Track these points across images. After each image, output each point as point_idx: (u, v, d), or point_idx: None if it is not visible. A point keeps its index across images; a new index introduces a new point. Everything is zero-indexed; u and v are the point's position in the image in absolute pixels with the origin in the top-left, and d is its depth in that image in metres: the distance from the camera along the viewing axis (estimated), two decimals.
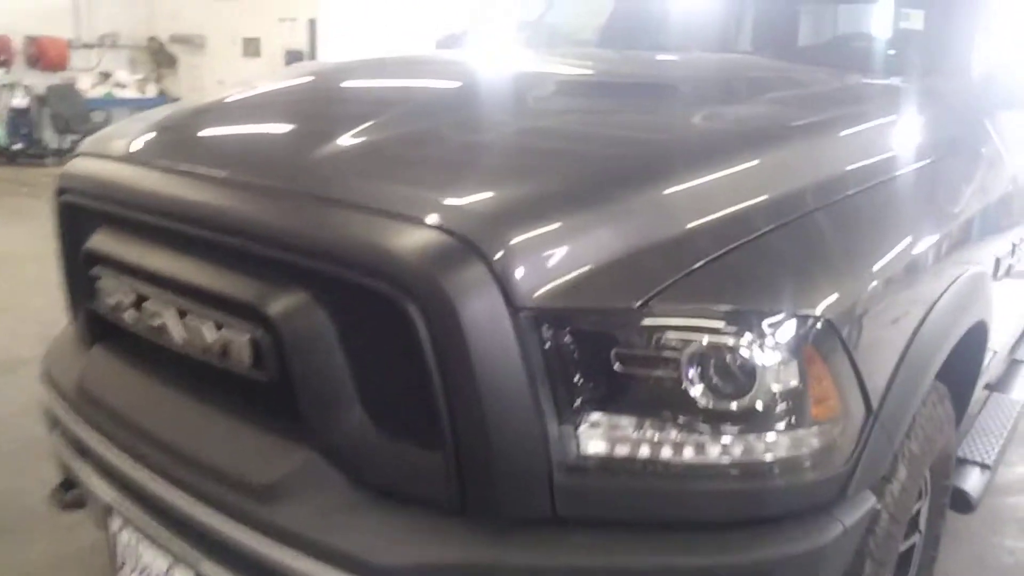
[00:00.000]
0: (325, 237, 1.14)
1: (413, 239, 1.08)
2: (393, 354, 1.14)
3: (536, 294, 1.06)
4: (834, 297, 1.15)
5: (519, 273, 1.06)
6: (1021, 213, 2.01)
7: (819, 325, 1.11)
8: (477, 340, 1.04)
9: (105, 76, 11.16)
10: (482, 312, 1.04)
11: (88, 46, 11.06)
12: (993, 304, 1.72)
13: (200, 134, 1.63)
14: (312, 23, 9.86)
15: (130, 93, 11.16)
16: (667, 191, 1.23)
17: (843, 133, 1.55)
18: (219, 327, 1.26)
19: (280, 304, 1.18)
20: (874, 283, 1.24)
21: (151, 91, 11.38)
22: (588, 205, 1.15)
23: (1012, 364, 2.65)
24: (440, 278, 1.04)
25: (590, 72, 2.06)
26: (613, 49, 2.60)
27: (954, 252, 1.53)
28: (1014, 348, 2.60)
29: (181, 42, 11.38)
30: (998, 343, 2.00)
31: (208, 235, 1.27)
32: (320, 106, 1.77)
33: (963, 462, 1.97)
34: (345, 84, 1.98)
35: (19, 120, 10.34)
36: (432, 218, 1.10)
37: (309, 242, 1.15)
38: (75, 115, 10.32)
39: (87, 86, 10.91)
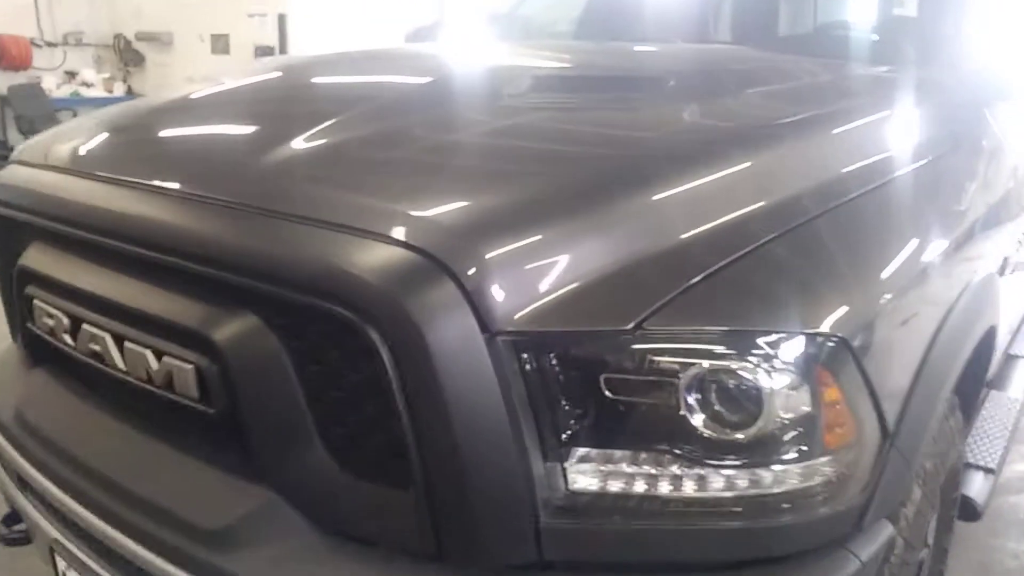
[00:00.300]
0: (272, 255, 1.02)
1: (372, 256, 0.95)
2: (356, 384, 1.01)
3: (515, 316, 0.94)
4: (845, 312, 1.03)
5: (495, 293, 0.94)
6: (1022, 206, 1.92)
7: (831, 344, 0.99)
8: (448, 369, 0.92)
9: (71, 75, 10.88)
10: (453, 338, 0.92)
11: (52, 44, 10.77)
12: (1000, 305, 1.62)
13: (142, 139, 1.49)
14: (282, 18, 9.65)
15: (97, 92, 10.88)
16: (659, 197, 1.10)
17: (842, 129, 1.43)
18: (160, 355, 1.13)
19: (227, 329, 1.05)
20: (885, 294, 1.13)
21: (119, 90, 11.10)
22: (572, 215, 1.03)
23: (1008, 359, 2.56)
24: (404, 300, 0.91)
25: (569, 65, 1.94)
26: (591, 41, 2.47)
27: (964, 254, 1.43)
28: (1011, 343, 2.51)
29: (148, 39, 11.11)
30: (1002, 341, 1.90)
31: (146, 254, 1.14)
32: (278, 105, 1.63)
33: (967, 467, 1.88)
34: (307, 80, 1.84)
35: None
36: (394, 232, 0.97)
37: (253, 261, 1.03)
38: (40, 115, 10.03)
39: (52, 86, 10.62)
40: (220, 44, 10.32)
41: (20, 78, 10.32)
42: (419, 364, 0.92)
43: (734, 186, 1.16)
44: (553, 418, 0.96)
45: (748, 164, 1.21)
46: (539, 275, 0.97)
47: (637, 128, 1.40)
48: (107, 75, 11.13)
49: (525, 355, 0.95)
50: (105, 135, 1.51)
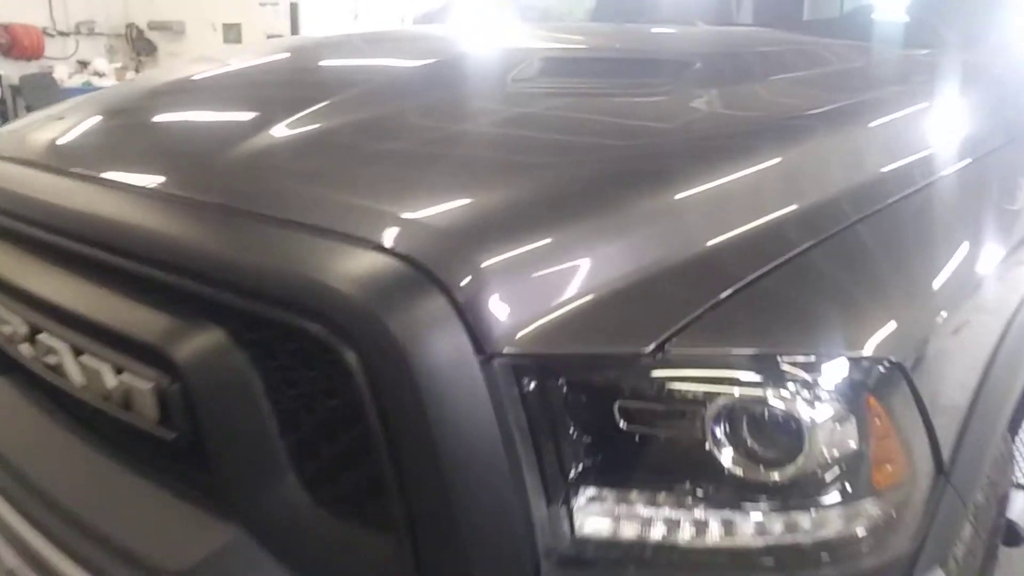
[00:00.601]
0: (233, 261, 0.89)
1: (347, 264, 0.83)
2: (334, 411, 0.89)
3: (516, 336, 0.81)
4: (896, 330, 0.89)
5: (492, 308, 0.81)
6: None
7: (881, 367, 0.86)
8: (436, 397, 0.79)
9: (83, 65, 10.81)
10: (442, 360, 0.79)
11: (64, 34, 10.72)
12: None
13: (107, 128, 1.36)
14: (294, 7, 9.55)
15: (109, 82, 10.78)
16: (682, 198, 0.96)
17: (884, 121, 1.27)
18: (120, 370, 1.00)
19: (189, 345, 0.92)
20: (939, 309, 0.98)
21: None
22: (584, 217, 0.90)
23: None
24: (383, 315, 0.78)
25: (583, 48, 1.79)
26: (608, 23, 2.33)
27: (1021, 260, 1.28)
28: None
29: (160, 29, 11.06)
30: None
31: (101, 256, 1.01)
32: (261, 89, 1.49)
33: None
34: (297, 62, 1.71)
35: None
36: (374, 235, 0.85)
37: (214, 267, 0.90)
38: (52, 105, 9.98)
39: (64, 75, 10.54)
40: (232, 33, 10.24)
41: (32, 68, 10.27)
42: (401, 391, 0.79)
43: (766, 186, 1.02)
44: (558, 453, 0.83)
45: (781, 161, 1.07)
46: (544, 287, 0.84)
47: (657, 118, 1.25)
48: (119, 65, 11.06)
49: (527, 380, 0.81)
50: (71, 125, 1.38)
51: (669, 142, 1.14)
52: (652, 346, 0.81)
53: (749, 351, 0.83)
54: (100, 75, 10.85)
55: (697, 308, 0.83)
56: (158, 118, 1.40)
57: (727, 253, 0.90)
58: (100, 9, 10.97)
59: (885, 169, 1.15)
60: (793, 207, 0.98)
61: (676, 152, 1.08)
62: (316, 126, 1.13)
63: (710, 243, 0.90)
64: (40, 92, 10.16)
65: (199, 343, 0.92)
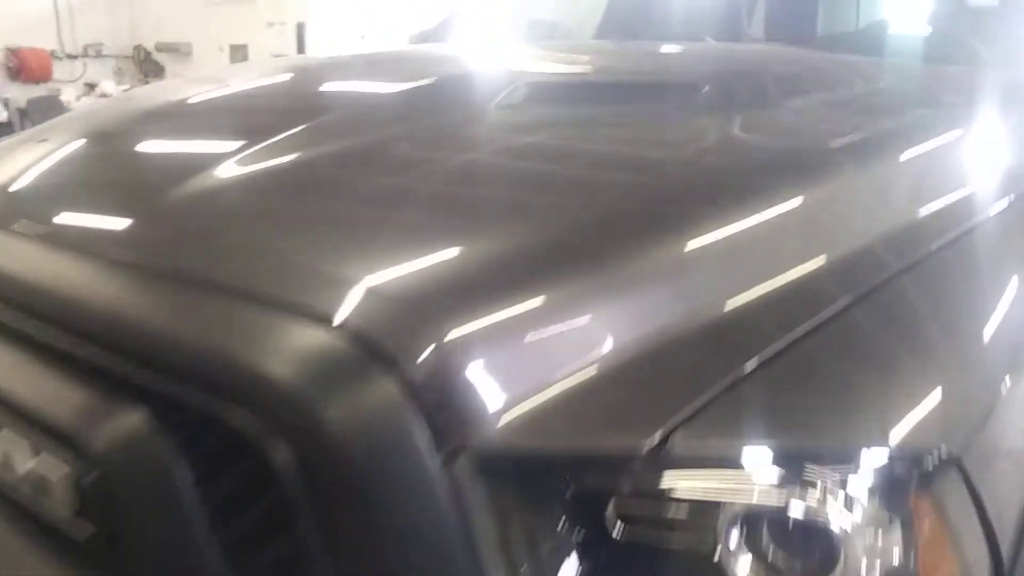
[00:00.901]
0: (148, 333, 0.74)
1: (281, 341, 0.68)
2: (269, 511, 0.74)
3: (485, 427, 0.66)
4: (947, 411, 0.74)
5: (457, 393, 0.66)
6: None
7: (931, 460, 0.70)
8: (385, 503, 0.64)
9: (90, 87, 10.79)
10: (394, 458, 0.65)
11: (72, 56, 10.70)
12: None
13: (39, 166, 1.21)
14: (300, 27, 9.49)
15: None
16: (691, 250, 0.81)
17: (925, 151, 1.12)
18: (37, 452, 0.86)
19: (107, 430, 0.78)
20: (999, 383, 0.83)
21: None
22: (572, 278, 0.75)
23: None
24: (321, 405, 0.64)
25: (584, 70, 1.65)
26: (612, 41, 2.19)
27: None
28: None
29: (167, 50, 11.03)
30: None
31: (17, 321, 0.87)
32: (224, 117, 1.35)
33: None
34: (268, 86, 1.56)
35: (1, 135, 9.94)
36: (316, 304, 0.70)
37: (129, 340, 0.76)
38: None
39: (72, 98, 10.52)
40: (239, 54, 10.19)
41: (39, 91, 10.23)
42: (342, 495, 0.65)
43: (791, 234, 0.87)
44: (537, 571, 0.68)
45: (806, 203, 0.92)
46: (521, 366, 0.69)
47: (659, 153, 1.09)
48: (127, 86, 11.02)
49: (499, 482, 0.67)
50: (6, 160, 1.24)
51: (672, 183, 0.98)
52: (654, 439, 0.66)
53: (771, 442, 0.68)
54: (107, 97, 10.83)
55: (708, 391, 0.68)
56: (96, 154, 1.25)
57: (746, 319, 0.75)
58: (107, 31, 10.95)
59: (928, 210, 1.00)
60: (822, 259, 0.83)
61: (681, 196, 0.92)
62: (265, 164, 0.99)
63: (724, 306, 0.76)
64: (47, 115, 10.09)
65: (118, 427, 0.78)
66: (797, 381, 0.72)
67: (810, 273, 0.81)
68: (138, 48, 11.16)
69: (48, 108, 10.18)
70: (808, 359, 0.73)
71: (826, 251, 0.85)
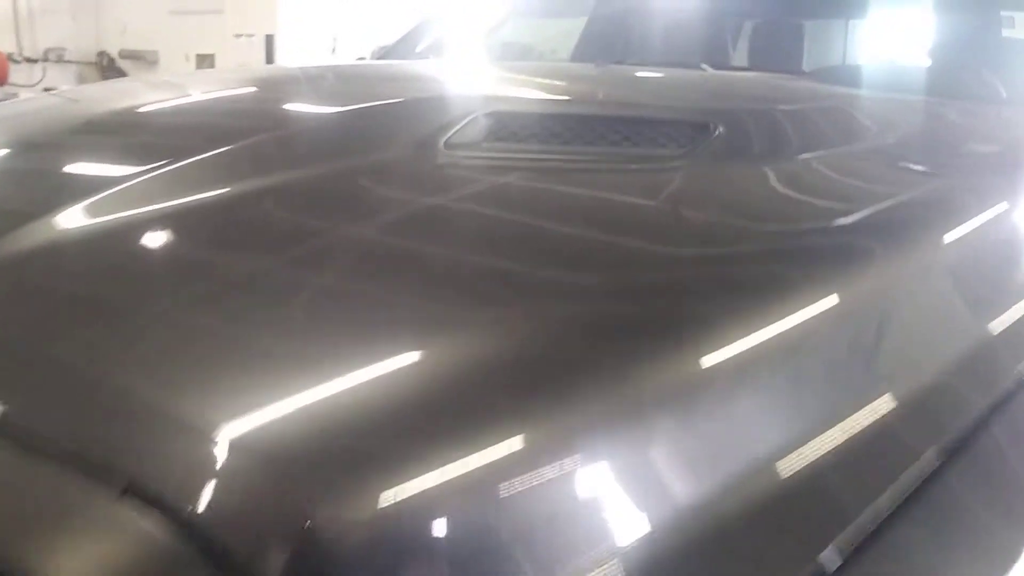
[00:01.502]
0: None
1: (79, 534, 0.40)
2: None
3: None
4: None
5: None
6: None
7: None
8: None
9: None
10: None
11: (31, 60, 10.34)
12: None
13: None
14: (270, 39, 9.21)
15: None
16: (710, 368, 0.53)
17: (1002, 208, 0.86)
18: None
19: None
20: None
21: None
22: (539, 414, 0.46)
23: None
24: None
25: (555, 98, 1.37)
26: (592, 64, 1.90)
27: None
28: None
29: (132, 58, 10.72)
30: None
31: None
32: (119, 135, 1.04)
33: None
34: (185, 99, 1.27)
35: None
36: (132, 479, 0.41)
37: None
38: None
39: None
40: (206, 64, 9.91)
41: None
42: None
43: (857, 344, 0.60)
44: None
45: (873, 296, 0.64)
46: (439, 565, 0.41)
47: (663, 219, 0.79)
48: None
49: None
50: None
51: (683, 266, 0.68)
52: None
53: None
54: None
55: None
56: None
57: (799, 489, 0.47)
58: (71, 37, 10.62)
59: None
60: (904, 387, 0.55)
61: (696, 285, 0.64)
62: (122, 214, 0.69)
63: (759, 446, 0.47)
64: None
65: None
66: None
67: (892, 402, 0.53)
68: (102, 54, 10.83)
69: None
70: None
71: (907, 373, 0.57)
